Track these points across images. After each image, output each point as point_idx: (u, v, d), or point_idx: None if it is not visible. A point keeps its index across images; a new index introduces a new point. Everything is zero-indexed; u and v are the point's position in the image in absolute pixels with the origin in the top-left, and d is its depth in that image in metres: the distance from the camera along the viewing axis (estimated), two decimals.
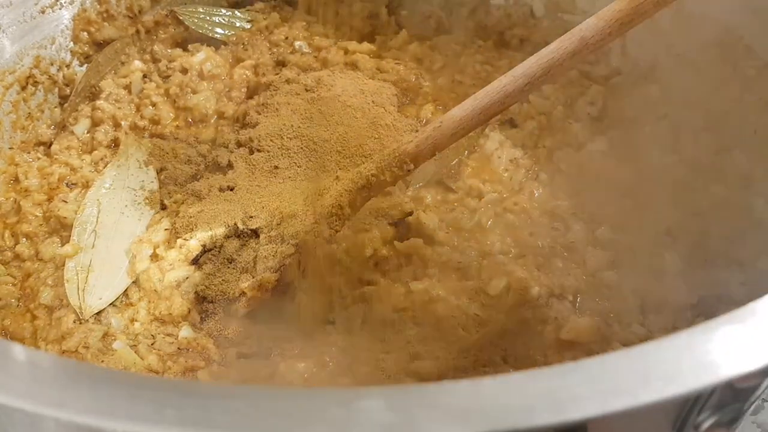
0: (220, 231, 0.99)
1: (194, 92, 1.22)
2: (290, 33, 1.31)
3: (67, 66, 1.25)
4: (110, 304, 0.96)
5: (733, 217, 0.97)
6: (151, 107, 1.21)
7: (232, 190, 1.05)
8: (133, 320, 0.95)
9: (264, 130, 1.10)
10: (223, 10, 1.35)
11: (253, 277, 0.94)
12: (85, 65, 1.27)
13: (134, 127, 1.19)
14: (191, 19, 1.33)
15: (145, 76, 1.26)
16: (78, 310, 0.95)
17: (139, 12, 1.31)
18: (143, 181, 1.10)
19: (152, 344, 0.93)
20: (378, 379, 0.85)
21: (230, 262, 0.97)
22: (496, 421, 0.46)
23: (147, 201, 1.07)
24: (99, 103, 1.20)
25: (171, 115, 1.21)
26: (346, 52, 1.27)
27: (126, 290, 0.97)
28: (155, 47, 1.30)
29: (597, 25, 0.86)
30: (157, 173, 1.11)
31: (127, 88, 1.24)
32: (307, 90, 1.15)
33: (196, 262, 0.98)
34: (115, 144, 1.17)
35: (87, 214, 1.05)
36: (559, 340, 0.88)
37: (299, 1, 1.38)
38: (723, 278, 0.95)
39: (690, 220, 0.99)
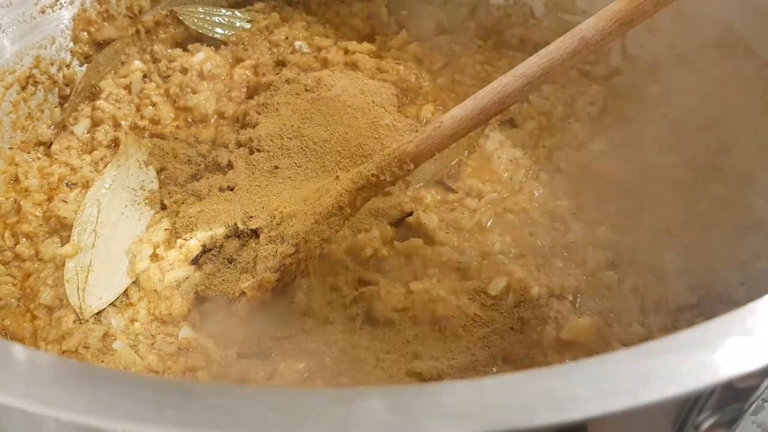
0: (220, 231, 0.99)
1: (194, 92, 1.22)
2: (290, 33, 1.31)
3: (67, 66, 1.25)
4: (110, 304, 0.96)
5: (733, 217, 0.97)
6: (151, 107, 1.21)
7: (232, 190, 1.05)
8: (133, 320, 0.95)
9: (264, 130, 1.10)
10: (223, 10, 1.35)
11: (253, 277, 0.94)
12: (85, 65, 1.27)
13: (134, 127, 1.19)
14: (191, 19, 1.33)
15: (145, 76, 1.26)
16: (78, 310, 0.95)
17: (139, 12, 1.31)
18: (143, 181, 1.10)
19: (152, 344, 0.93)
20: (378, 379, 0.85)
21: (230, 262, 0.97)
22: (496, 421, 0.46)
23: (147, 201, 1.07)
24: (99, 103, 1.21)
25: (171, 115, 1.21)
26: (346, 52, 1.27)
27: (126, 290, 0.97)
28: (155, 47, 1.30)
29: (597, 25, 0.86)
30: (157, 173, 1.11)
31: (127, 88, 1.24)
32: (307, 90, 1.15)
33: (196, 262, 0.98)
34: (115, 144, 1.17)
35: (87, 214, 1.05)
36: (559, 340, 0.88)
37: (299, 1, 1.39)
38: (723, 278, 0.95)
39: (690, 220, 0.99)
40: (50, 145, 1.18)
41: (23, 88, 1.19)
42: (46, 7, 1.21)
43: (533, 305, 0.92)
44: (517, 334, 0.90)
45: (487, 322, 0.91)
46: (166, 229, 1.01)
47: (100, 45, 1.27)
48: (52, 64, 1.23)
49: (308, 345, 0.90)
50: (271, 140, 1.08)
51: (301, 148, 1.07)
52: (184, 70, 1.25)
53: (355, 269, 0.98)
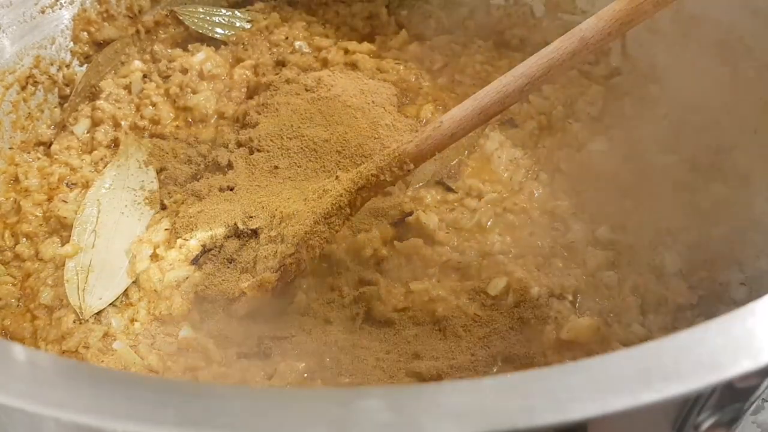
0: (220, 231, 0.99)
1: (194, 92, 1.22)
2: (290, 33, 1.31)
3: (67, 66, 1.25)
4: (110, 304, 0.96)
5: (733, 217, 0.97)
6: (151, 107, 1.21)
7: (232, 190, 1.05)
8: (133, 320, 0.95)
9: (264, 130, 1.10)
10: (223, 10, 1.35)
11: (253, 277, 0.94)
12: (85, 65, 1.27)
13: (134, 127, 1.19)
14: (191, 19, 1.33)
15: (145, 76, 1.26)
16: (78, 310, 0.95)
17: (139, 12, 1.31)
18: (143, 181, 1.10)
19: (152, 344, 0.93)
20: (378, 379, 0.85)
21: (230, 262, 0.97)
22: (496, 421, 0.46)
23: (147, 201, 1.07)
24: (99, 103, 1.21)
25: (171, 115, 1.21)
26: (346, 52, 1.28)
27: (126, 290, 0.97)
28: (155, 47, 1.30)
29: (597, 25, 0.86)
30: (157, 173, 1.11)
31: (127, 88, 1.24)
32: (307, 90, 1.15)
33: (196, 262, 0.98)
34: (115, 144, 1.17)
35: (87, 214, 1.05)
36: (559, 340, 0.88)
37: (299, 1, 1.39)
38: (723, 278, 0.95)
39: (690, 220, 0.99)
40: (50, 145, 1.18)
41: (23, 88, 1.19)
42: (46, 7, 1.21)
43: (533, 305, 0.92)
44: (517, 334, 0.90)
45: (487, 322, 0.91)
46: (166, 229, 1.01)
47: (100, 45, 1.28)
48: (52, 64, 1.23)
49: (308, 345, 0.90)
50: (271, 140, 1.08)
51: (301, 148, 1.07)
52: (184, 70, 1.25)
53: (355, 269, 0.98)
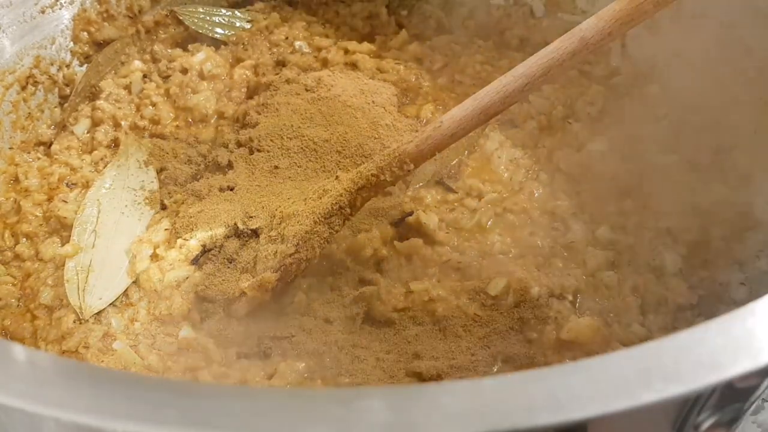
0: (220, 231, 0.99)
1: (194, 92, 1.22)
2: (290, 33, 1.31)
3: (67, 66, 1.25)
4: (110, 304, 0.96)
5: (733, 217, 0.97)
6: (151, 107, 1.21)
7: (232, 190, 1.05)
8: (133, 320, 0.95)
9: (264, 130, 1.10)
10: (223, 10, 1.35)
11: (253, 277, 0.94)
12: (85, 65, 1.27)
13: (134, 127, 1.19)
14: (191, 19, 1.33)
15: (145, 76, 1.26)
16: (78, 310, 0.95)
17: (139, 12, 1.31)
18: (143, 181, 1.10)
19: (152, 344, 0.92)
20: (378, 379, 0.85)
21: (230, 262, 0.97)
22: (496, 421, 0.46)
23: (147, 201, 1.07)
24: (99, 103, 1.21)
25: (171, 115, 1.21)
26: (346, 52, 1.28)
27: (126, 290, 0.97)
28: (155, 47, 1.30)
29: (597, 25, 0.86)
30: (157, 173, 1.11)
31: (127, 88, 1.24)
32: (307, 90, 1.15)
33: (196, 262, 0.98)
34: (115, 144, 1.17)
35: (87, 214, 1.05)
36: (559, 340, 0.89)
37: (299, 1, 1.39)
38: (723, 278, 0.95)
39: (690, 220, 0.99)
40: (50, 145, 1.18)
41: (23, 88, 1.19)
42: (46, 7, 1.21)
43: (533, 305, 0.92)
44: (517, 334, 0.90)
45: (487, 322, 0.91)
46: (166, 229, 1.01)
47: (100, 45, 1.28)
48: (52, 64, 1.23)
49: (308, 345, 0.90)
50: (271, 140, 1.08)
51: (301, 148, 1.07)
52: (184, 70, 1.25)
53: (355, 269, 0.98)
